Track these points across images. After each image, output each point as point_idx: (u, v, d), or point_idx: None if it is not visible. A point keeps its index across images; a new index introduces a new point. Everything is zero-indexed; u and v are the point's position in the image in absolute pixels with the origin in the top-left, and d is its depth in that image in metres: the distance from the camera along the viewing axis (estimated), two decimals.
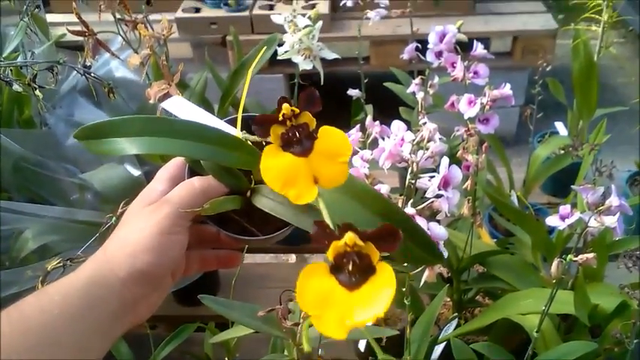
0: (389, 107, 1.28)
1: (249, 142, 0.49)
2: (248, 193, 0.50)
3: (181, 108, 0.56)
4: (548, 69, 1.12)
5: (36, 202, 0.98)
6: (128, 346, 0.93)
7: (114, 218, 0.74)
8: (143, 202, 0.48)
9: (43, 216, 0.91)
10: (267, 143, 0.40)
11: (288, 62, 0.98)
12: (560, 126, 1.34)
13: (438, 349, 0.95)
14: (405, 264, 0.67)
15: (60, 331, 0.39)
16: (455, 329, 0.93)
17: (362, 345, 0.97)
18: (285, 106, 0.39)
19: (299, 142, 0.39)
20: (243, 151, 0.48)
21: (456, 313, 0.96)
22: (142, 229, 0.45)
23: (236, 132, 0.50)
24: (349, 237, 0.33)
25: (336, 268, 0.33)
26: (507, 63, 2.17)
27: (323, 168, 0.39)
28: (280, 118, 0.39)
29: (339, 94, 1.31)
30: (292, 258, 1.42)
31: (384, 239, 0.33)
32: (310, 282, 0.33)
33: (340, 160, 0.39)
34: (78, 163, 1.06)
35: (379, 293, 0.32)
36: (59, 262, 0.73)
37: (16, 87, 0.86)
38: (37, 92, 0.87)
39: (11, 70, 0.94)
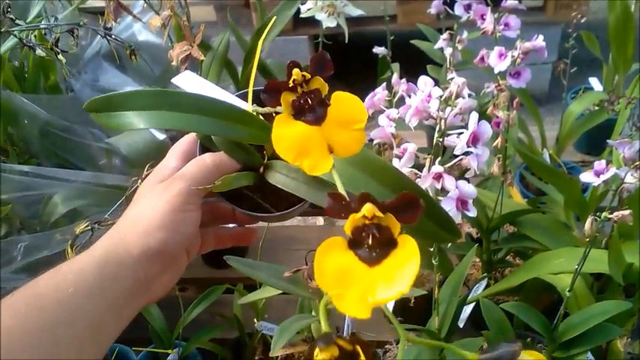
0: (416, 66, 1.25)
1: (260, 117, 0.47)
2: (261, 169, 0.49)
3: (192, 83, 0.54)
4: (582, 21, 1.07)
5: (64, 167, 0.98)
6: (159, 308, 0.94)
7: (139, 181, 0.74)
8: (156, 178, 0.48)
9: (72, 181, 0.92)
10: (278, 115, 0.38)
11: (313, 23, 0.96)
12: (594, 81, 1.29)
13: (467, 310, 0.94)
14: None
15: (74, 308, 0.39)
16: (484, 289, 0.92)
17: (390, 305, 0.97)
18: (296, 71, 0.37)
19: (311, 110, 0.37)
20: (255, 126, 0.46)
21: (486, 274, 0.95)
22: (154, 206, 0.44)
23: (247, 106, 0.49)
24: (367, 208, 0.31)
25: (354, 243, 0.31)
26: (539, 18, 2.09)
27: (338, 136, 0.37)
28: (291, 84, 0.37)
29: (365, 54, 1.28)
30: (320, 220, 1.42)
31: (404, 209, 0.31)
32: (328, 259, 0.31)
33: (356, 127, 0.37)
34: (104, 128, 1.06)
35: (402, 268, 0.30)
36: (87, 226, 0.73)
37: (39, 52, 0.86)
38: (60, 57, 0.87)
39: (35, 35, 0.93)
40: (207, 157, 0.47)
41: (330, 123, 0.37)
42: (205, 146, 0.50)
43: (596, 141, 1.33)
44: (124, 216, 0.46)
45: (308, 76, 0.37)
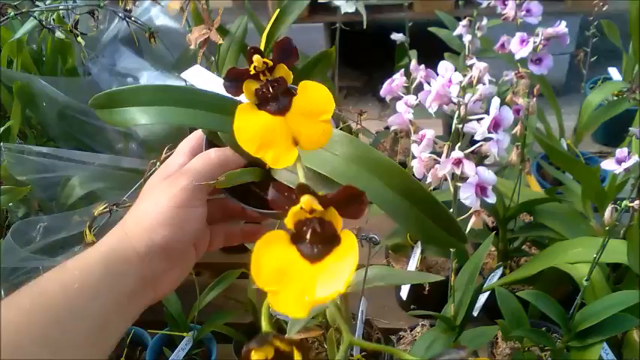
0: (432, 54, 1.24)
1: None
2: (267, 165, 0.49)
3: (200, 77, 0.54)
4: (603, 9, 1.05)
5: (82, 150, 0.99)
6: (175, 292, 0.95)
7: (157, 164, 0.75)
8: (162, 175, 0.47)
9: (90, 163, 0.92)
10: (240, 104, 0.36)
11: (329, 10, 0.95)
12: (613, 71, 1.27)
13: (481, 299, 0.94)
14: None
15: (80, 305, 0.39)
16: (499, 279, 0.91)
17: (404, 293, 0.97)
18: (256, 57, 0.35)
19: (275, 99, 0.35)
20: None
21: (501, 262, 0.95)
22: (159, 202, 0.44)
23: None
24: (305, 201, 0.29)
25: (297, 238, 0.30)
26: (558, 8, 2.06)
27: (303, 127, 0.35)
28: (252, 71, 0.35)
29: (382, 43, 1.27)
30: None
31: (347, 204, 0.29)
32: (267, 252, 0.29)
33: (322, 118, 0.35)
34: None
35: (340, 265, 0.28)
36: (105, 208, 0.74)
37: (59, 34, 0.86)
38: (80, 39, 0.87)
39: (54, 19, 0.94)
40: (213, 153, 0.47)
41: (294, 113, 0.35)
42: (212, 142, 0.49)
43: (613, 132, 1.32)
44: (130, 212, 0.46)
45: (270, 63, 0.35)
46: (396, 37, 1.14)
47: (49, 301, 0.38)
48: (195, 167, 0.46)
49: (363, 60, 2.09)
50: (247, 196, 0.48)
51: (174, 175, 0.46)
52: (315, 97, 0.35)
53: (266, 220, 0.53)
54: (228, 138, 0.47)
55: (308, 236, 0.29)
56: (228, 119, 0.43)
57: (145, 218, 0.44)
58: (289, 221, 0.30)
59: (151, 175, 0.77)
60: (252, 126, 0.35)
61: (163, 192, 0.45)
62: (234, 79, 0.36)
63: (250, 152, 0.34)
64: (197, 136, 0.50)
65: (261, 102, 0.36)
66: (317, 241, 0.29)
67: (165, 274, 0.45)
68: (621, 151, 0.66)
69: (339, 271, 0.28)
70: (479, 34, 1.01)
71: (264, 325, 0.32)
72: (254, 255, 0.29)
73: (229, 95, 0.46)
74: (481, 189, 0.61)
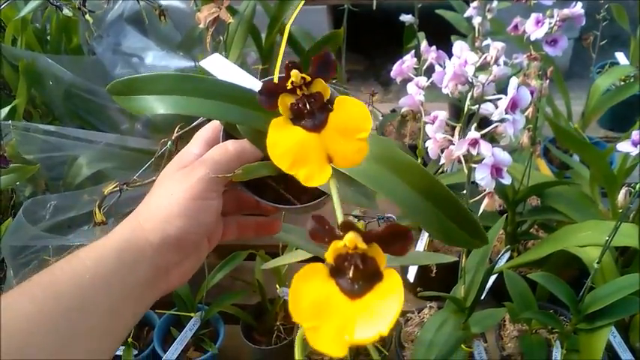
0: (440, 37, 1.23)
1: None
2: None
3: (220, 67, 0.53)
4: None
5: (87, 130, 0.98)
6: None
7: (169, 142, 0.74)
8: (177, 165, 0.46)
9: (97, 142, 0.92)
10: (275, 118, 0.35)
11: None
12: (621, 56, 1.27)
13: (489, 282, 0.94)
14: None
15: (91, 295, 0.38)
16: (507, 261, 0.91)
17: (411, 275, 0.97)
18: (294, 73, 0.34)
19: (311, 115, 0.34)
20: None
21: (509, 245, 0.95)
22: (175, 193, 0.43)
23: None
24: (349, 238, 0.28)
25: (336, 272, 0.29)
26: None
27: (338, 145, 0.33)
28: (289, 86, 0.34)
29: (386, 27, 1.26)
30: None
31: (392, 241, 0.28)
32: (306, 286, 0.28)
33: (359, 136, 0.33)
34: None
35: (384, 305, 0.27)
36: (116, 187, 0.73)
37: (66, 11, 0.85)
38: (87, 17, 0.86)
39: None
40: (230, 145, 0.45)
41: (330, 130, 0.34)
42: (229, 134, 0.48)
43: (621, 117, 1.31)
44: (145, 202, 0.45)
45: (308, 78, 0.34)
46: (405, 18, 1.13)
47: (61, 291, 0.37)
48: (212, 158, 0.44)
49: (365, 44, 2.08)
50: (262, 189, 0.47)
51: (191, 166, 0.45)
52: (352, 114, 0.34)
53: (279, 213, 0.52)
54: (246, 130, 0.45)
55: (349, 272, 0.29)
56: (248, 111, 0.43)
57: (159, 209, 0.43)
58: (330, 255, 0.29)
59: (162, 154, 0.76)
60: (286, 141, 0.34)
61: (179, 183, 0.44)
62: (270, 93, 0.35)
63: (283, 168, 0.33)
64: (214, 126, 0.48)
65: (297, 117, 0.35)
66: (358, 277, 0.29)
67: (177, 265, 0.44)
68: (636, 133, 0.66)
69: (382, 311, 0.27)
70: (489, 15, 1.00)
71: (297, 354, 0.33)
72: (292, 289, 0.28)
73: (252, 87, 0.45)
74: (496, 170, 0.61)
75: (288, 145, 0.33)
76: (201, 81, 0.45)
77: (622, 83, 1.26)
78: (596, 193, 0.97)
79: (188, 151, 0.48)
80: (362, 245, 0.28)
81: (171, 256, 0.43)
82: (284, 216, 0.85)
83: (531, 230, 1.00)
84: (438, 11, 1.31)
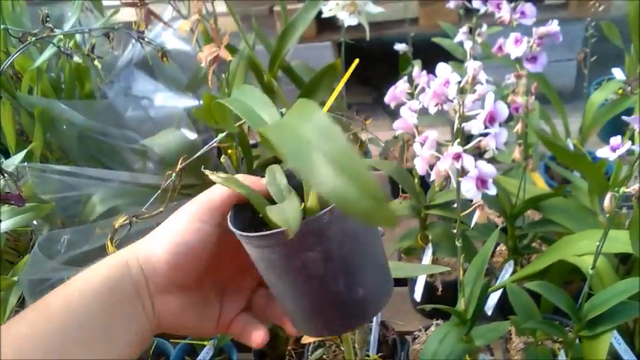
0: (437, 64, 1.27)
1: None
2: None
3: None
4: (607, 16, 1.07)
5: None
6: None
7: (173, 175, 0.78)
8: None
9: (110, 180, 0.96)
10: None
11: (335, 29, 1.00)
12: (617, 72, 1.29)
13: (494, 298, 0.96)
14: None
15: (80, 312, 0.39)
16: (511, 275, 0.93)
17: (418, 295, 0.99)
18: None
19: None
20: None
21: (511, 258, 0.96)
22: (167, 220, 0.45)
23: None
24: None
25: None
26: (562, 15, 2.08)
27: None
28: None
29: (388, 58, 1.30)
30: None
31: None
32: None
33: None
34: (138, 133, 1.11)
35: None
36: (125, 220, 0.77)
37: (77, 58, 0.91)
38: (96, 62, 0.92)
39: (70, 46, 0.99)
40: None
41: None
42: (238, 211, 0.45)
43: (619, 130, 1.32)
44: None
45: None
46: (399, 47, 1.17)
47: (52, 311, 0.39)
48: (206, 194, 0.45)
49: (371, 77, 2.13)
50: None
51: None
52: None
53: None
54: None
55: None
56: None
57: (151, 233, 0.45)
58: None
59: (168, 185, 0.81)
60: None
61: (176, 212, 0.45)
62: None
63: None
64: (221, 195, 0.45)
65: None
66: None
67: (166, 293, 0.44)
68: (615, 139, 0.68)
69: None
70: (479, 39, 1.04)
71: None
72: None
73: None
74: (481, 182, 0.63)
75: None
76: None
77: (616, 97, 1.28)
78: (595, 204, 0.99)
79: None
80: None
81: (158, 279, 0.43)
82: None
83: (533, 244, 1.01)
84: (434, 39, 1.35)
